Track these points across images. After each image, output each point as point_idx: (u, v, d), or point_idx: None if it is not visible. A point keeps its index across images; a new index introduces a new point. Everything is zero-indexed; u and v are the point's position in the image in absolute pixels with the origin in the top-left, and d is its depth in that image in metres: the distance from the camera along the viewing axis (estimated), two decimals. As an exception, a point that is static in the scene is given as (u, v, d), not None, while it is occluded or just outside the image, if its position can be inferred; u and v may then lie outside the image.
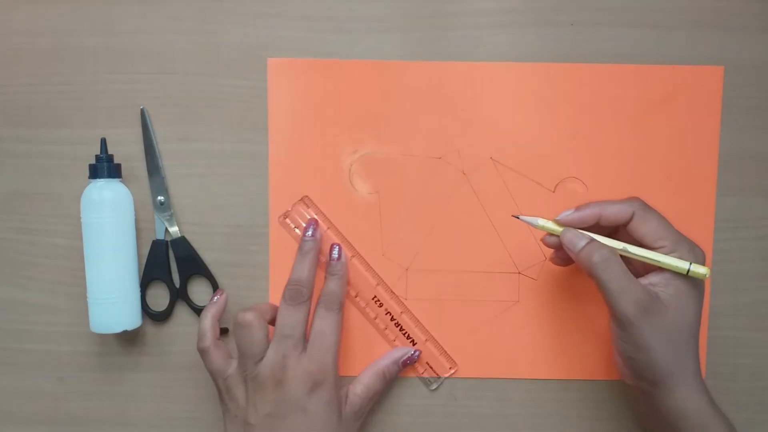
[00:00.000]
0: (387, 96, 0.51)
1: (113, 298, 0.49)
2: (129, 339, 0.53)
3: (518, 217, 0.47)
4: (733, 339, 0.53)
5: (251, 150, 0.52)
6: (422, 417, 0.53)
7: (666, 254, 0.44)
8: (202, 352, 0.48)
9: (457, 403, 0.53)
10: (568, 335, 0.53)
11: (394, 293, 0.52)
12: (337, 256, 0.50)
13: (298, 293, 0.48)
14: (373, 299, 0.52)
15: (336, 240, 0.52)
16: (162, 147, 0.52)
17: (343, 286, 0.50)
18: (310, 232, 0.50)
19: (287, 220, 0.52)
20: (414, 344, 0.52)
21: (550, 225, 0.46)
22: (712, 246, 0.52)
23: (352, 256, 0.52)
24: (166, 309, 0.53)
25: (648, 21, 0.51)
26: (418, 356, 0.52)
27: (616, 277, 0.43)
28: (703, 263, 0.44)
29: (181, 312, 0.53)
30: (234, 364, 0.48)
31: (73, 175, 0.52)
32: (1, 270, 0.53)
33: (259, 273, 0.52)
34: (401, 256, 0.52)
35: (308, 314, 0.48)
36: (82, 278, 0.50)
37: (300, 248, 0.50)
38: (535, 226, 0.47)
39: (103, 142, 0.50)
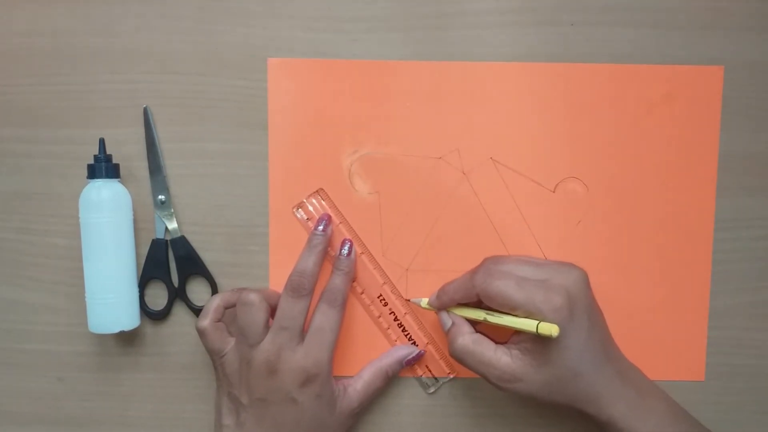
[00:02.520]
0: (387, 96, 0.51)
1: (111, 298, 0.49)
2: (128, 339, 0.53)
3: (409, 301, 0.52)
4: (733, 339, 0.53)
5: (251, 150, 0.52)
6: (422, 417, 0.53)
7: (524, 316, 0.44)
8: (200, 332, 0.49)
9: (457, 403, 0.53)
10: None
11: (400, 294, 0.52)
12: (347, 252, 0.51)
13: (300, 285, 0.48)
14: (378, 297, 0.52)
15: (347, 236, 0.52)
16: (162, 147, 0.52)
17: (348, 282, 0.50)
18: (321, 227, 0.50)
19: (300, 211, 0.52)
20: (415, 345, 0.52)
21: (428, 306, 0.50)
22: (712, 246, 0.52)
23: (362, 253, 0.52)
24: (164, 308, 0.53)
25: (648, 21, 0.51)
26: (422, 356, 0.52)
27: (474, 363, 0.46)
28: (564, 306, 0.44)
29: (180, 312, 0.53)
30: (231, 343, 0.49)
31: (73, 175, 0.52)
32: (1, 270, 0.53)
33: (259, 273, 0.52)
34: (401, 256, 0.52)
35: (309, 307, 0.48)
36: (82, 278, 0.50)
37: (309, 241, 0.50)
38: (421, 307, 0.50)
39: (102, 142, 0.50)
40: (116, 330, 0.50)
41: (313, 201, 0.52)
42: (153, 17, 0.51)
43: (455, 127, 0.52)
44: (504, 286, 0.45)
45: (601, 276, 0.52)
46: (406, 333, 0.52)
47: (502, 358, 0.45)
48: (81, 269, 0.50)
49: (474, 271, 0.47)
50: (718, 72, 0.51)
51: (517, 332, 0.46)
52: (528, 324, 0.44)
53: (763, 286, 0.53)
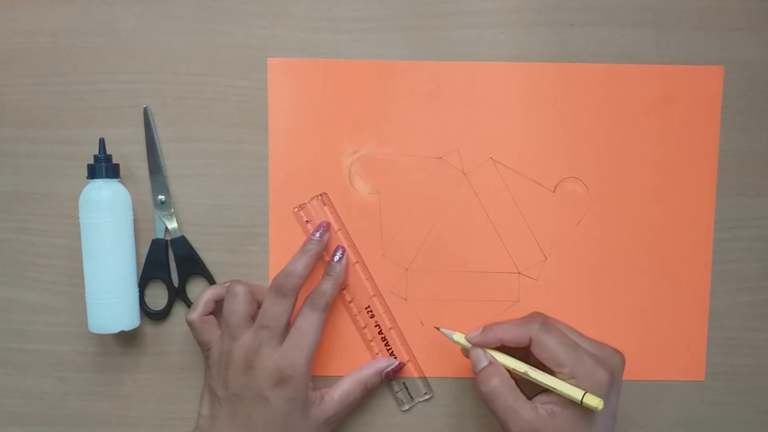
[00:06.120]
0: (387, 96, 0.51)
1: (111, 298, 0.49)
2: (128, 339, 0.53)
3: (439, 329, 0.50)
4: (733, 339, 0.53)
5: (251, 150, 0.52)
6: (422, 417, 0.53)
7: (565, 379, 0.44)
8: (189, 324, 0.49)
9: (457, 403, 0.53)
10: (568, 335, 0.52)
11: (388, 307, 0.52)
12: (338, 258, 0.51)
13: (283, 285, 0.48)
14: (366, 309, 0.52)
15: (344, 242, 0.52)
16: (162, 147, 0.52)
17: (336, 288, 0.50)
18: (318, 234, 0.50)
19: (301, 212, 0.52)
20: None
21: (463, 341, 0.48)
22: (712, 246, 0.52)
23: (356, 262, 0.52)
24: (164, 308, 0.53)
25: (648, 21, 0.51)
26: (401, 368, 0.52)
27: (503, 407, 0.45)
28: (606, 383, 0.44)
29: (180, 312, 0.53)
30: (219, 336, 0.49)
31: (73, 175, 0.52)
32: (1, 270, 0.53)
33: (259, 273, 0.52)
34: (401, 256, 0.52)
35: (292, 308, 0.48)
36: (82, 278, 0.50)
37: (303, 245, 0.50)
38: (451, 340, 0.49)
39: (102, 142, 0.50)
40: (116, 330, 0.50)
41: (315, 204, 0.52)
42: (153, 17, 0.51)
43: (455, 127, 0.52)
44: (559, 343, 0.45)
45: (601, 276, 0.52)
46: (388, 348, 0.52)
47: (530, 411, 0.45)
48: (81, 269, 0.50)
49: (529, 320, 0.46)
50: (718, 72, 0.51)
51: (546, 393, 0.45)
52: (574, 391, 0.43)
53: (762, 286, 0.53)
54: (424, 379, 0.53)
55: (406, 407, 0.53)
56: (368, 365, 0.52)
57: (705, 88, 0.51)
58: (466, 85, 0.51)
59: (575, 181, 0.52)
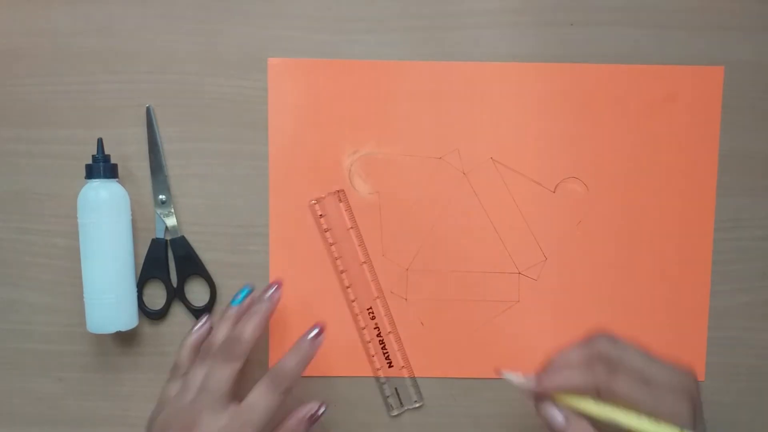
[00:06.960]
0: (387, 96, 0.51)
1: (109, 298, 0.49)
2: (128, 339, 0.53)
3: (503, 375, 0.44)
4: (733, 339, 0.53)
5: (251, 150, 0.52)
6: (422, 417, 0.53)
7: (649, 412, 0.40)
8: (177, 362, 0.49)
9: (457, 403, 0.53)
10: (568, 335, 0.52)
11: (389, 311, 0.52)
12: (313, 335, 0.45)
13: (232, 350, 0.45)
14: (368, 310, 0.52)
15: (354, 241, 0.51)
16: (162, 147, 0.52)
17: (302, 368, 0.45)
18: (269, 293, 0.48)
19: (317, 206, 0.51)
20: (390, 366, 0.52)
21: (527, 385, 0.43)
22: (712, 246, 0.52)
23: (363, 263, 0.52)
24: (162, 308, 0.53)
25: (648, 21, 0.51)
26: (323, 412, 0.46)
27: None
28: (689, 415, 0.41)
29: (179, 312, 0.53)
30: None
31: (73, 175, 0.52)
32: (1, 270, 0.53)
33: (259, 273, 0.52)
34: (401, 256, 0.52)
35: (238, 373, 0.45)
36: (82, 278, 0.50)
37: (251, 305, 0.48)
38: (513, 383, 0.43)
39: (100, 142, 0.50)
40: (114, 330, 0.50)
41: (331, 199, 0.51)
42: (153, 17, 0.51)
43: (455, 127, 0.52)
44: (631, 387, 0.41)
45: (601, 276, 0.52)
46: (385, 351, 0.52)
47: None
48: (80, 269, 0.50)
49: (590, 361, 0.42)
50: (718, 72, 0.51)
51: None
52: (668, 429, 0.39)
53: (763, 286, 0.53)
54: (416, 386, 0.53)
55: (395, 413, 0.53)
56: (290, 415, 0.46)
57: (705, 88, 0.51)
58: (466, 85, 0.51)
59: (575, 181, 0.52)
